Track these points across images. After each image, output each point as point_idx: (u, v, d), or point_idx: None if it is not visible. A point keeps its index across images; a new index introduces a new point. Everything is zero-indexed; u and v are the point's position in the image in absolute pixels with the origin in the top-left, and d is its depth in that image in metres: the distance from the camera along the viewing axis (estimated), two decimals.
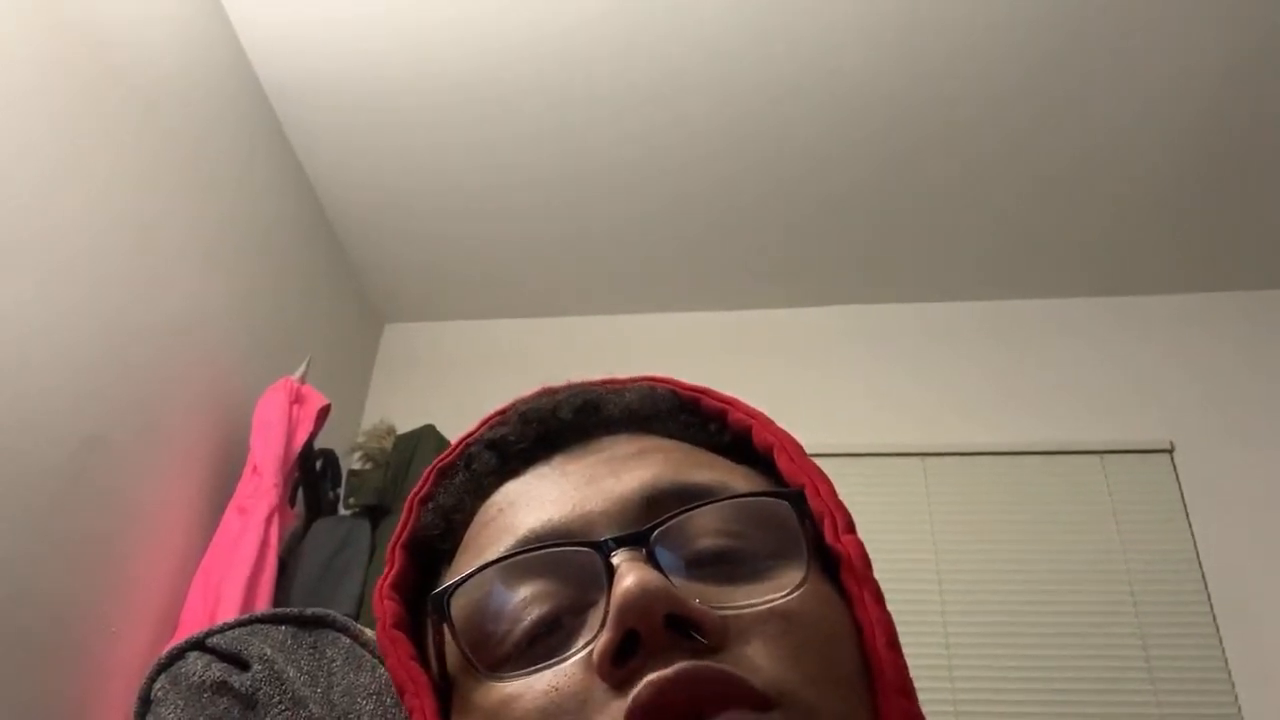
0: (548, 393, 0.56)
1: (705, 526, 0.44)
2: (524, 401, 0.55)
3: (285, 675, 0.63)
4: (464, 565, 0.47)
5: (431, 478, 0.54)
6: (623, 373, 0.60)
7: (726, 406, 0.55)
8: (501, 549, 0.45)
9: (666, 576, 0.40)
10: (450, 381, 2.75)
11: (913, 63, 2.14)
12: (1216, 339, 2.61)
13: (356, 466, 2.30)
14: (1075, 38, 2.07)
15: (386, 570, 0.51)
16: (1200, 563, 2.30)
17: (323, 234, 2.58)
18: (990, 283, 2.71)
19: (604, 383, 0.57)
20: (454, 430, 0.57)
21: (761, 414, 0.54)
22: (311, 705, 0.63)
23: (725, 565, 0.43)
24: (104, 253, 1.69)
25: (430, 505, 0.53)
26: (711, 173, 2.42)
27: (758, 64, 2.16)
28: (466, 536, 0.50)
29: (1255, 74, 2.13)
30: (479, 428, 0.55)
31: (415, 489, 0.54)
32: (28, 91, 1.54)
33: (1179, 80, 2.15)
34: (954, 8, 2.03)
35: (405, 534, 0.52)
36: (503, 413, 0.55)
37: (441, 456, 0.55)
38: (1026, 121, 2.26)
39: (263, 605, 1.71)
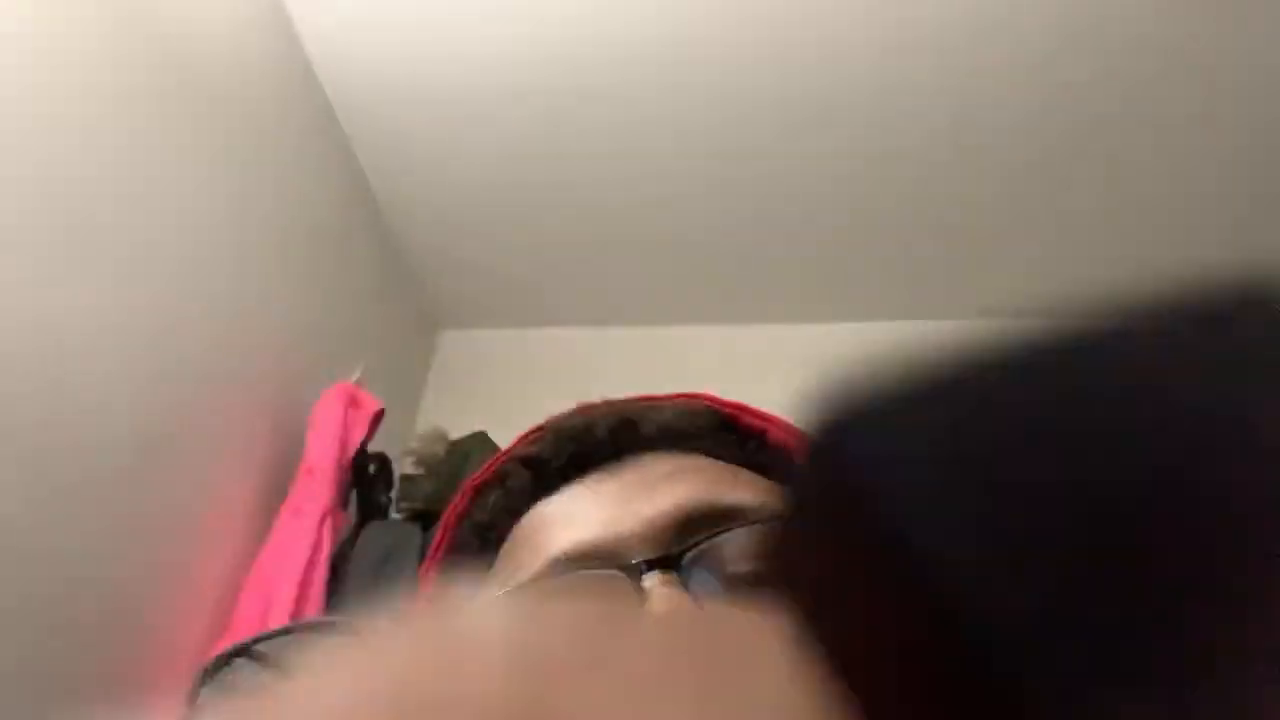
0: (583, 410, 0.55)
1: (740, 549, 0.43)
2: (559, 419, 0.55)
3: None
4: (496, 585, 0.47)
5: (468, 495, 0.54)
6: (679, 386, 0.59)
7: (765, 424, 0.54)
8: (533, 570, 0.45)
9: (698, 600, 0.39)
10: (505, 389, 2.75)
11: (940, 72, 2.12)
12: None
13: (409, 471, 2.31)
14: (1088, 56, 2.04)
15: (421, 589, 0.51)
16: None
17: (380, 239, 2.61)
18: (991, 295, 2.66)
19: (641, 399, 0.56)
20: (506, 438, 0.56)
21: (799, 430, 0.53)
22: None
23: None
24: (164, 255, 1.72)
25: (466, 523, 0.53)
26: (785, 184, 2.40)
27: (818, 71, 2.15)
28: (500, 555, 0.50)
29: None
30: (514, 445, 0.55)
31: (451, 506, 0.54)
32: (85, 89, 1.57)
33: (1184, 89, 2.10)
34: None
35: (440, 552, 0.52)
36: (538, 430, 0.55)
37: (478, 474, 0.55)
38: (1041, 136, 2.22)
39: (314, 608, 1.73)
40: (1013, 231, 2.49)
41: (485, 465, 0.55)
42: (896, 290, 2.70)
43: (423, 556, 2.05)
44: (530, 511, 0.50)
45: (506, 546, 0.50)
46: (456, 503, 0.54)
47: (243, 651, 0.66)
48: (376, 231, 2.59)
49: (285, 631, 0.69)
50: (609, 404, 0.55)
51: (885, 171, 2.35)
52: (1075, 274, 2.57)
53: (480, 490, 0.54)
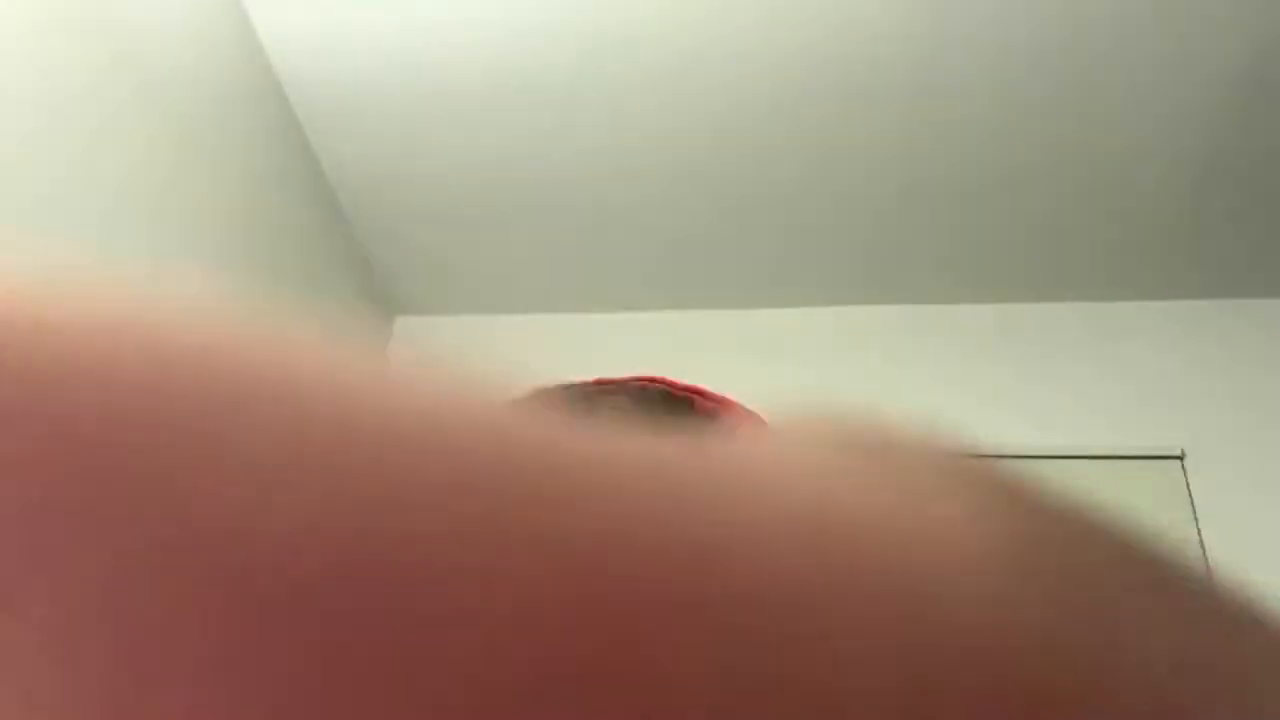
0: (540, 394, 0.56)
1: None
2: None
3: None
4: None
5: None
6: (632, 370, 0.60)
7: (719, 407, 0.55)
8: None
9: None
10: None
11: (944, 63, 2.14)
12: (1229, 346, 2.59)
13: None
14: (1100, 48, 2.07)
15: None
16: (1209, 569, 2.28)
17: (336, 226, 2.59)
18: (1002, 286, 2.70)
19: (596, 383, 0.57)
20: None
21: (755, 414, 0.54)
22: None
23: None
24: (115, 244, 1.70)
25: None
26: (729, 171, 2.42)
27: (784, 55, 2.16)
28: None
29: (1273, 78, 2.11)
30: None
31: None
32: (42, 79, 1.55)
33: (1201, 84, 2.14)
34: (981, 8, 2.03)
35: None
36: None
37: None
38: (1049, 127, 2.25)
39: None
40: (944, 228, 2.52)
41: None
42: (849, 278, 2.73)
43: None
44: None
45: None
46: None
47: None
48: (332, 219, 2.57)
49: None
50: (566, 387, 0.56)
51: (834, 169, 2.37)
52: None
53: None
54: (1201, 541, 2.32)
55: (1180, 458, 2.44)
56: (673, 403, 0.56)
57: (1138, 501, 2.37)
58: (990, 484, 0.16)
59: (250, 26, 2.14)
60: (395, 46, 2.17)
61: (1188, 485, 2.40)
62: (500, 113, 2.30)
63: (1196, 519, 2.35)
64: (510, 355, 2.77)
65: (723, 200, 2.51)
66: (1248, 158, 2.29)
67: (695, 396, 0.56)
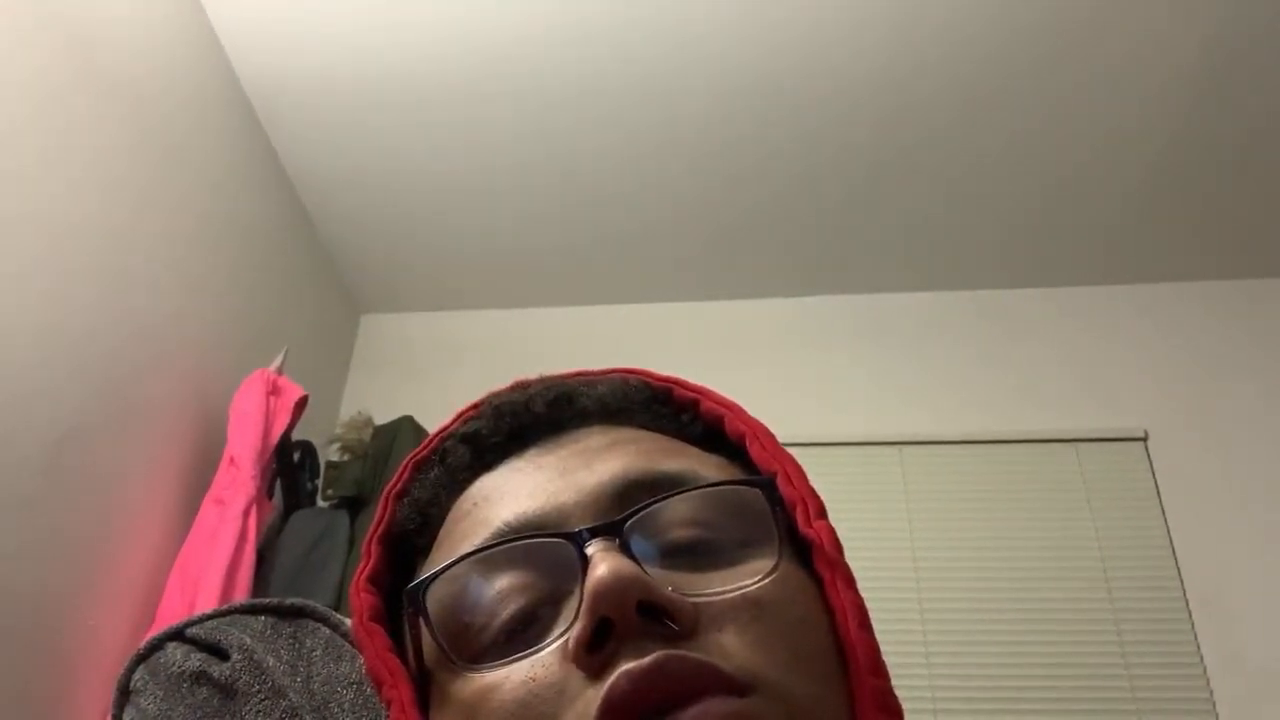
0: (520, 386, 0.56)
1: (677, 515, 0.44)
2: (497, 395, 0.55)
3: (265, 665, 0.64)
4: (440, 559, 0.47)
5: (406, 472, 0.54)
6: (597, 363, 0.60)
7: (698, 397, 0.55)
8: (477, 542, 0.45)
9: (640, 565, 0.40)
10: (428, 372, 2.74)
11: (909, 59, 2.15)
12: (1191, 328, 2.63)
13: (335, 458, 2.29)
14: (1057, 37, 2.09)
15: (363, 564, 0.51)
16: (1173, 549, 2.32)
17: (300, 225, 2.57)
18: (967, 273, 2.72)
19: (576, 375, 0.57)
20: (432, 421, 0.57)
21: (734, 404, 0.55)
22: (291, 694, 0.63)
23: (698, 553, 0.43)
24: (81, 246, 1.68)
25: (405, 500, 0.53)
26: (688, 167, 2.42)
27: (750, 57, 2.16)
28: (442, 531, 0.50)
29: (1235, 70, 2.15)
30: (453, 422, 0.55)
31: (390, 483, 0.54)
32: (4, 86, 1.53)
33: (1157, 75, 2.17)
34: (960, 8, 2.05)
35: (381, 528, 0.52)
36: (476, 406, 0.55)
37: (416, 451, 0.55)
38: (1014, 119, 2.27)
39: (241, 597, 1.71)
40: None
41: (424, 442, 0.55)
42: (822, 267, 2.75)
43: (351, 542, 2.05)
44: (471, 487, 0.51)
45: (448, 521, 0.50)
46: (396, 479, 0.54)
47: (175, 635, 0.65)
48: (296, 219, 2.55)
49: (218, 614, 0.69)
50: (545, 380, 0.56)
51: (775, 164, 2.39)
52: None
53: (419, 467, 0.54)
54: (1166, 521, 2.36)
55: (1143, 439, 2.47)
56: (652, 393, 0.56)
57: (1102, 483, 2.41)
58: None
59: (209, 25, 2.12)
60: (358, 45, 2.15)
61: (1151, 466, 2.44)
62: (463, 110, 2.29)
63: (1160, 499, 2.39)
64: (477, 351, 2.77)
65: (686, 195, 2.51)
66: (1204, 143, 2.32)
67: (674, 387, 0.56)
